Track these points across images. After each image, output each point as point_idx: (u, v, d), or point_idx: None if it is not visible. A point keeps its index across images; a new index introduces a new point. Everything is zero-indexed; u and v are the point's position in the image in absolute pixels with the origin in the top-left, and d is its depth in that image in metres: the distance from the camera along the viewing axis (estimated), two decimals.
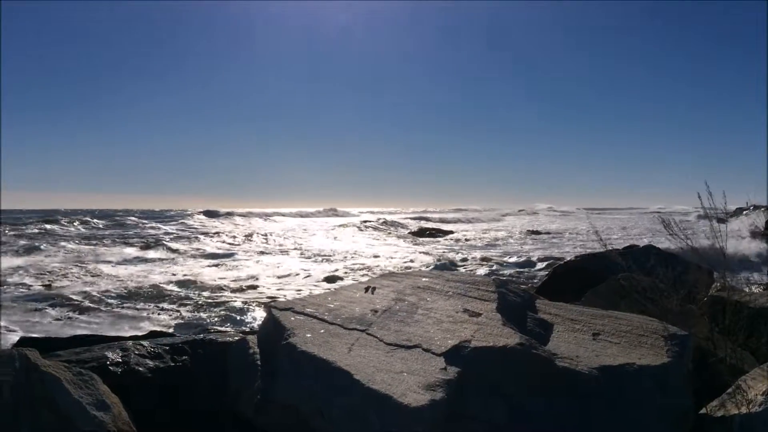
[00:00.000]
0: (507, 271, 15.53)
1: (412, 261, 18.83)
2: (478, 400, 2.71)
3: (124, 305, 10.70)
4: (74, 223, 38.80)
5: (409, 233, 33.06)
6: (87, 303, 10.85)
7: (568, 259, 7.77)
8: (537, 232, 32.17)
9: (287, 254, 21.60)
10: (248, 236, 29.72)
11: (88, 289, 12.47)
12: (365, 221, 41.98)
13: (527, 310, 3.51)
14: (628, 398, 2.84)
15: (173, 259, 19.32)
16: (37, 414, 2.62)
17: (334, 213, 77.56)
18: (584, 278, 6.09)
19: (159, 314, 9.91)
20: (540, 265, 16.81)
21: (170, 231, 35.76)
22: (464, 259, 19.06)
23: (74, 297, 11.48)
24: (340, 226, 40.56)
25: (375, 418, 2.53)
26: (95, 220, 40.49)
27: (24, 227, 33.49)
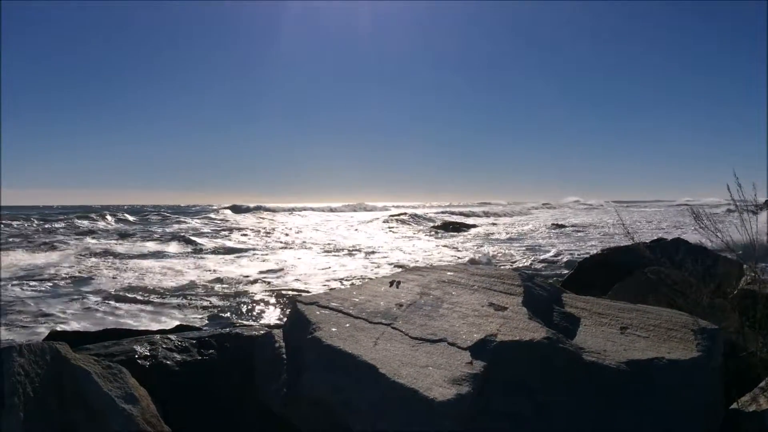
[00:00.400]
0: (531, 265, 15.42)
1: (434, 255, 18.79)
2: (504, 395, 2.70)
3: (151, 299, 10.84)
4: (106, 218, 39.56)
5: (432, 228, 32.97)
6: (115, 297, 11.00)
7: (594, 252, 7.68)
8: (561, 226, 31.86)
9: (311, 249, 21.71)
10: (273, 231, 29.94)
11: (115, 283, 12.66)
12: (394, 215, 41.88)
13: (553, 304, 3.48)
14: (657, 393, 2.81)
15: (198, 253, 19.51)
16: (68, 407, 2.66)
17: (362, 207, 78.35)
18: (611, 272, 6.02)
19: (184, 308, 10.02)
20: (564, 259, 16.66)
21: (196, 226, 36.18)
22: (487, 254, 18.98)
23: (102, 291, 11.66)
24: (368, 221, 40.68)
25: (400, 412, 2.53)
26: (126, 215, 41.08)
27: (55, 222, 34.15)
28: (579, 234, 27.27)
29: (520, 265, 15.45)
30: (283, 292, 11.51)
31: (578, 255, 17.05)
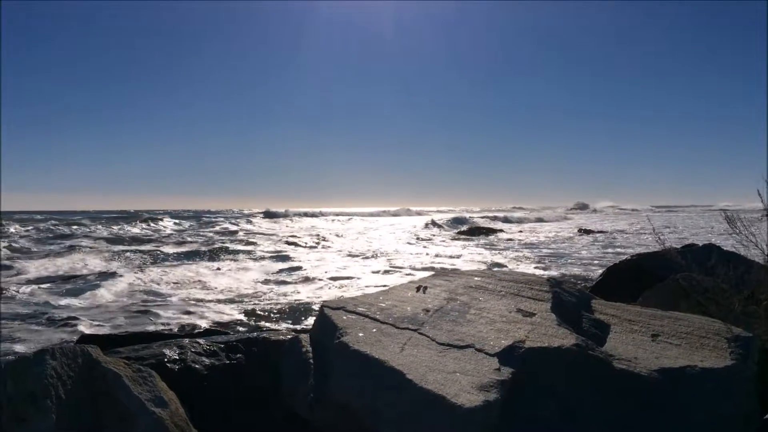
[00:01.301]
0: (557, 271, 15.26)
1: (458, 259, 18.73)
2: (533, 402, 2.67)
3: (179, 303, 10.96)
4: (137, 223, 40.32)
5: (459, 233, 32.86)
6: (144, 301, 11.14)
7: (624, 257, 7.57)
8: (589, 231, 31.52)
9: (340, 252, 21.80)
10: (307, 236, 30.03)
11: (145, 286, 12.82)
12: (432, 221, 41.59)
13: (583, 311, 3.43)
14: (690, 401, 2.75)
15: (229, 257, 19.68)
16: (99, 409, 2.70)
17: (407, 212, 79.37)
18: (641, 278, 5.93)
19: (212, 312, 10.10)
20: (592, 265, 16.47)
21: (229, 229, 36.66)
22: (514, 258, 18.85)
23: (133, 295, 11.82)
24: (412, 227, 40.68)
25: (428, 418, 2.52)
26: (165, 220, 41.70)
27: (94, 225, 34.82)
28: (608, 239, 26.95)
29: (542, 271, 15.31)
30: (312, 296, 11.56)
31: (603, 261, 16.84)
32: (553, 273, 14.54)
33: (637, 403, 2.74)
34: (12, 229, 33.06)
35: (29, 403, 2.50)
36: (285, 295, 11.81)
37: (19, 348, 7.58)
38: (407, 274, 14.77)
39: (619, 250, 21.27)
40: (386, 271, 15.90)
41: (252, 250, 22.30)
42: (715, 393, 2.78)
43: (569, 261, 18.04)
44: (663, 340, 3.12)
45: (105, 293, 11.82)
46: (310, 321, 8.75)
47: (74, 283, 13.18)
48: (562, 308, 3.35)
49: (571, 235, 30.46)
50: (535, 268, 16.34)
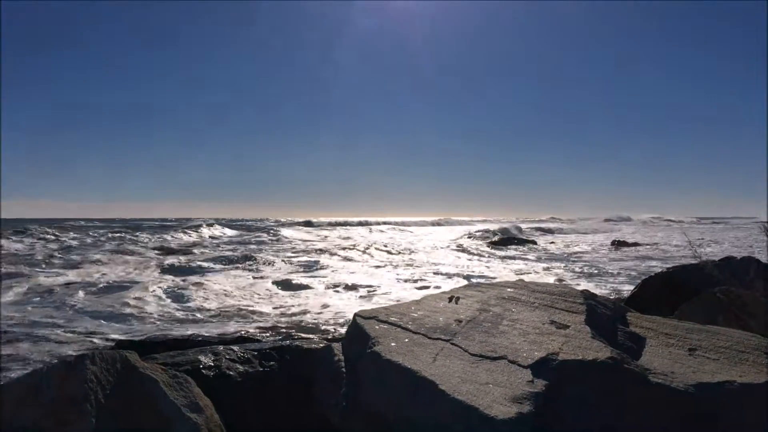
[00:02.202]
0: (590, 283, 15.07)
1: (490, 269, 18.61)
2: (566, 415, 2.64)
3: (212, 311, 11.09)
4: (182, 230, 41.15)
5: (490, 243, 32.67)
6: (177, 308, 11.31)
7: (659, 270, 7.45)
8: (625, 243, 31.04)
9: (373, 261, 21.89)
10: (343, 246, 30.17)
11: (173, 294, 13.01)
12: (471, 233, 41.48)
13: (617, 323, 3.39)
14: (728, 418, 2.70)
15: (262, 265, 19.86)
16: (136, 414, 2.75)
17: (447, 222, 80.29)
18: (677, 291, 5.83)
19: (245, 320, 10.20)
20: (625, 278, 16.23)
21: (263, 239, 37.09)
22: (547, 270, 18.68)
23: (162, 302, 12.00)
24: (448, 237, 40.65)
25: (460, 429, 2.51)
26: (210, 228, 42.44)
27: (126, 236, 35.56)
28: (642, 252, 26.52)
29: (575, 283, 15.12)
30: (344, 305, 11.60)
31: (636, 274, 16.58)
32: (586, 285, 14.36)
33: (673, 418, 2.70)
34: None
35: (70, 407, 2.57)
36: (317, 304, 11.87)
37: (59, 349, 7.76)
38: (436, 286, 14.74)
39: (653, 262, 20.92)
40: (416, 280, 15.91)
41: (289, 259, 22.49)
42: (755, 409, 2.72)
43: (602, 273, 17.80)
44: (700, 355, 3.07)
45: (147, 299, 12.04)
46: (342, 330, 8.80)
47: (120, 290, 13.44)
48: (596, 321, 3.31)
49: (606, 247, 30.04)
50: (568, 280, 16.16)
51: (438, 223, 79.11)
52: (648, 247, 29.53)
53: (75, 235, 35.48)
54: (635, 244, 30.49)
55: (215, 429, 2.77)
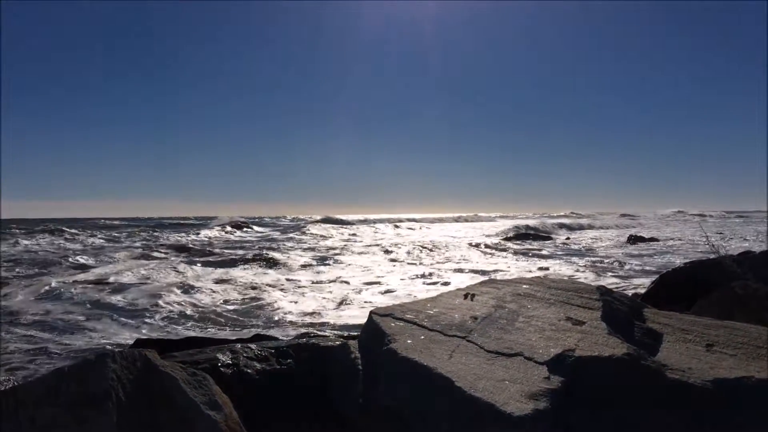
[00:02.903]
0: (606, 279, 14.98)
1: (505, 265, 18.55)
2: (583, 412, 2.65)
3: (227, 309, 11.17)
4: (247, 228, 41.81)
5: (505, 239, 32.53)
6: (193, 306, 11.40)
7: (677, 265, 7.40)
8: (641, 238, 30.77)
9: (386, 256, 21.94)
10: (365, 244, 30.21)
11: (194, 292, 13.11)
12: (493, 229, 41.28)
13: (634, 319, 3.39)
14: (746, 414, 2.68)
15: (279, 263, 19.94)
16: (156, 412, 2.78)
17: (473, 218, 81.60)
18: (694, 286, 5.78)
19: (260, 319, 10.27)
20: (642, 273, 16.12)
21: (291, 237, 37.42)
22: (562, 265, 18.60)
23: (183, 300, 12.10)
24: (465, 233, 40.66)
25: (477, 426, 2.52)
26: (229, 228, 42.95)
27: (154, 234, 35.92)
28: (657, 247, 26.29)
29: (591, 278, 15.04)
30: (359, 303, 11.63)
31: (654, 269, 16.46)
32: (602, 281, 14.28)
33: (690, 414, 2.69)
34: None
35: (91, 405, 2.60)
36: (333, 300, 11.91)
37: (80, 347, 7.86)
38: (444, 281, 14.74)
39: (670, 257, 20.74)
40: (429, 275, 15.93)
41: (309, 255, 22.59)
42: None
43: (618, 268, 17.68)
44: (718, 350, 3.05)
45: (170, 297, 12.15)
46: (356, 326, 8.83)
47: (143, 288, 13.58)
48: (612, 317, 3.31)
49: (623, 242, 29.82)
50: (584, 275, 16.08)
51: (465, 219, 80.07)
52: (665, 242, 29.26)
53: (103, 234, 36.09)
54: (652, 239, 30.21)
55: (234, 426, 2.79)
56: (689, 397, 2.70)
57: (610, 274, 16.49)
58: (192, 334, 8.79)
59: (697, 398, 2.69)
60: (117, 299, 12.18)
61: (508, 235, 34.48)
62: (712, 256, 6.12)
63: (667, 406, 2.69)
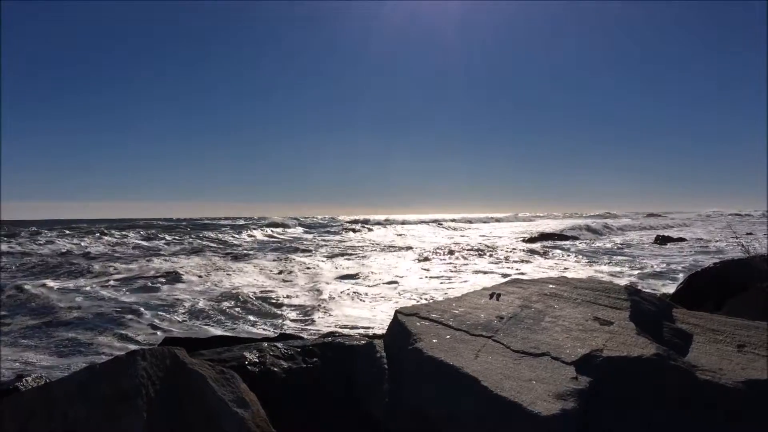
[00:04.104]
0: (633, 279, 14.79)
1: (529, 266, 18.43)
2: (611, 412, 2.62)
3: (253, 308, 11.26)
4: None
5: (529, 239, 32.29)
6: (219, 304, 11.52)
7: (706, 265, 7.28)
8: (669, 238, 30.32)
9: (411, 252, 21.97)
10: (393, 246, 30.28)
11: (219, 290, 13.24)
12: (535, 237, 40.95)
13: (663, 320, 3.34)
14: None
15: (308, 263, 20.05)
16: (184, 409, 2.82)
17: (515, 218, 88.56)
18: (725, 286, 5.69)
19: (286, 318, 10.33)
20: (670, 273, 15.90)
21: (329, 238, 37.80)
22: (588, 265, 18.42)
23: (210, 297, 12.23)
24: (491, 234, 40.51)
25: (503, 426, 2.51)
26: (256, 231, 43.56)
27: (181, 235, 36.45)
28: (685, 247, 25.90)
29: (617, 278, 14.87)
30: (386, 302, 11.64)
31: (682, 269, 16.22)
32: (629, 281, 14.11)
33: (722, 416, 2.65)
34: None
35: (122, 402, 2.64)
36: (356, 299, 11.94)
37: (115, 344, 7.99)
38: (461, 280, 14.69)
39: (699, 257, 20.43)
40: (448, 276, 15.94)
41: (333, 255, 22.68)
42: None
43: (646, 268, 17.46)
44: (750, 351, 3.00)
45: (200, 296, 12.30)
46: (381, 326, 8.84)
47: (172, 286, 13.76)
48: (641, 317, 3.27)
49: (650, 242, 29.43)
50: (609, 275, 15.91)
51: (498, 220, 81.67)
52: (693, 242, 28.82)
53: (144, 233, 36.96)
54: (680, 239, 29.78)
55: (261, 424, 2.82)
56: (720, 398, 2.66)
57: (636, 273, 16.29)
58: (237, 331, 8.88)
59: (728, 399, 2.65)
60: (147, 296, 12.36)
61: (533, 236, 34.24)
62: (743, 256, 6.01)
63: (698, 408, 2.65)
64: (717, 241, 28.69)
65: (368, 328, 8.97)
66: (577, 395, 2.53)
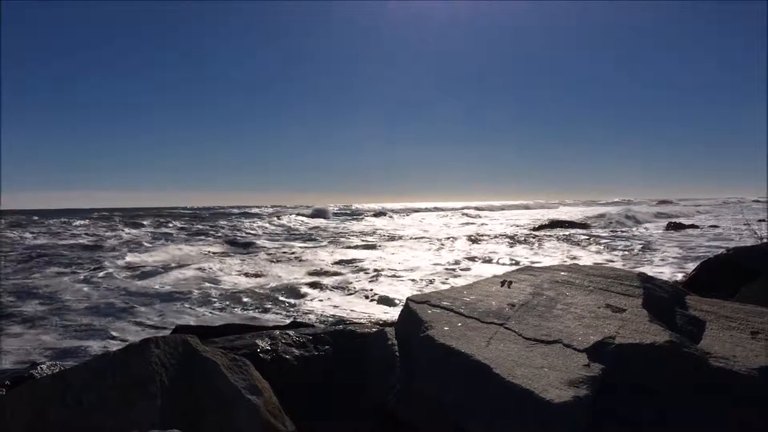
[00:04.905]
0: (643, 267, 14.73)
1: (539, 254, 18.39)
2: (624, 399, 2.61)
3: (262, 296, 11.32)
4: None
5: (539, 227, 32.18)
6: (228, 292, 11.58)
7: (719, 252, 7.23)
8: (681, 225, 30.10)
9: (425, 243, 21.99)
10: (403, 236, 30.32)
11: (234, 279, 13.32)
12: (546, 224, 40.84)
13: (676, 306, 3.33)
14: None
15: (324, 251, 20.12)
16: (197, 396, 2.84)
17: (540, 206, 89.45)
18: (738, 273, 5.65)
19: (299, 306, 10.38)
20: (681, 260, 15.82)
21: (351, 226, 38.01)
22: (597, 253, 18.36)
23: (223, 286, 12.31)
24: (512, 228, 40.53)
25: (515, 412, 2.51)
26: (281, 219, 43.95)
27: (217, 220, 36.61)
28: (698, 234, 25.73)
29: (629, 266, 14.80)
30: (395, 289, 11.66)
31: (693, 257, 16.13)
32: (641, 268, 14.05)
33: (735, 403, 2.64)
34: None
35: (136, 388, 2.67)
36: (368, 288, 11.97)
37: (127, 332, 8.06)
38: (460, 267, 14.67)
39: (711, 244, 20.29)
40: (456, 261, 15.98)
41: (346, 241, 22.73)
42: None
43: (657, 256, 17.38)
44: (763, 338, 2.98)
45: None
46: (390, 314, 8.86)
47: (181, 274, 13.84)
48: (653, 304, 3.25)
49: (661, 229, 29.27)
50: (621, 263, 15.85)
51: (514, 207, 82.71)
52: (706, 229, 28.62)
53: (175, 223, 37.41)
54: (692, 226, 29.57)
55: (274, 411, 2.84)
56: (734, 385, 2.65)
57: (648, 260, 16.22)
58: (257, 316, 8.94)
59: (741, 386, 2.64)
60: (163, 284, 12.44)
61: (543, 223, 34.11)
62: (755, 243, 5.96)
63: (711, 394, 2.64)
64: (731, 228, 28.49)
65: (385, 314, 8.99)
66: (589, 382, 2.53)
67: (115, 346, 7.53)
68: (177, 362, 2.86)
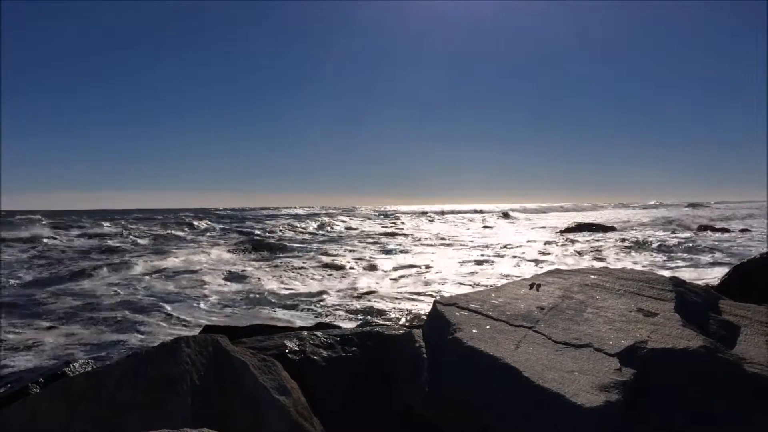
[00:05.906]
0: (674, 271, 14.48)
1: (567, 257, 18.20)
2: (656, 405, 2.57)
3: (288, 295, 11.39)
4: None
5: (566, 230, 31.84)
6: (261, 294, 11.67)
7: (752, 256, 7.08)
8: (711, 227, 29.55)
9: (458, 246, 21.99)
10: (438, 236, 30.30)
11: (262, 280, 13.41)
12: (574, 227, 40.34)
13: (709, 311, 3.27)
14: None
15: (348, 254, 20.18)
16: (227, 395, 2.86)
17: (576, 208, 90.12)
18: None
19: (325, 307, 10.41)
20: (712, 264, 15.52)
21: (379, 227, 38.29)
22: (627, 255, 18.12)
23: (252, 286, 12.40)
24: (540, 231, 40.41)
25: (545, 417, 2.49)
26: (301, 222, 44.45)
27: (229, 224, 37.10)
28: (729, 238, 25.22)
29: (658, 269, 14.57)
30: (423, 291, 11.65)
31: (725, 261, 15.83)
32: (672, 272, 13.83)
33: None
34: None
35: (167, 387, 2.70)
36: (398, 290, 11.97)
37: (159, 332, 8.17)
38: (480, 268, 14.56)
39: (743, 248, 19.89)
40: (479, 262, 15.94)
41: (366, 249, 22.78)
42: None
43: (688, 259, 17.09)
44: None
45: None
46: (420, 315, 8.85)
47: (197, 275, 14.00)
48: (686, 308, 3.20)
49: (691, 233, 28.77)
50: (651, 266, 15.61)
51: (561, 209, 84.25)
52: (738, 233, 28.06)
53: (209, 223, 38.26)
54: (723, 230, 29.01)
55: (302, 411, 2.85)
56: None
57: (679, 264, 15.96)
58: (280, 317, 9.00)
59: None
60: (191, 284, 12.58)
61: (570, 226, 33.78)
62: None
63: (746, 400, 2.59)
64: (762, 232, 27.89)
65: (408, 313, 8.98)
66: (621, 387, 2.50)
67: (145, 343, 7.65)
68: (207, 362, 2.89)
